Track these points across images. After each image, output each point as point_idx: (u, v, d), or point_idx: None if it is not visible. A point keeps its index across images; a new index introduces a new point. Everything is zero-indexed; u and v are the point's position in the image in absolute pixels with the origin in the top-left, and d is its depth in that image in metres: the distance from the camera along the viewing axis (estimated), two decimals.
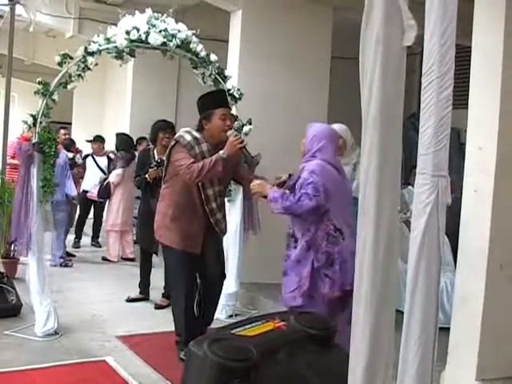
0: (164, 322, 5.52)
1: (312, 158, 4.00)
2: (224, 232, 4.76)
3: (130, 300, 6.44)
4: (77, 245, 9.71)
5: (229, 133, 4.43)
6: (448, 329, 3.87)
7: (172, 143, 4.54)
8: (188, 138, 4.44)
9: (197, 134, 4.48)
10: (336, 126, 4.81)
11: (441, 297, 2.13)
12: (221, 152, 4.32)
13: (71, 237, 9.27)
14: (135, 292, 6.52)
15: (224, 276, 4.94)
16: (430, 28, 2.12)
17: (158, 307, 6.20)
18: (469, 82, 3.84)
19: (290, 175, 4.25)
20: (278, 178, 4.33)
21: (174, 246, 4.53)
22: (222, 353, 2.72)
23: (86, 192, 9.48)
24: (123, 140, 8.84)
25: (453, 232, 3.78)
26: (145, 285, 6.53)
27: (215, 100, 4.53)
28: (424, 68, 2.16)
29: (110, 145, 9.74)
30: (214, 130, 4.46)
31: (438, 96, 2.12)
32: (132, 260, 8.56)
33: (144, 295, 6.50)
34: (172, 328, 4.77)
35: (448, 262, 5.17)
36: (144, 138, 8.39)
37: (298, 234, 3.98)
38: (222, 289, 4.97)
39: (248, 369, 2.73)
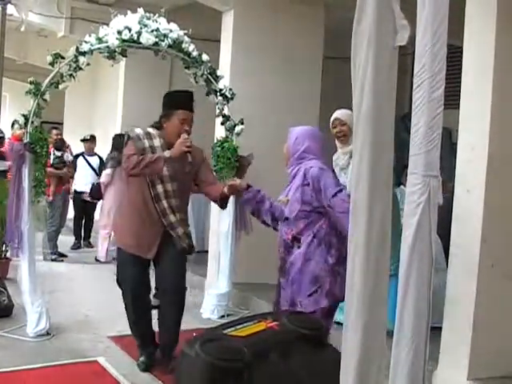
0: (156, 322, 5.49)
1: (302, 160, 3.87)
2: (184, 241, 4.34)
3: None
4: (76, 247, 9.69)
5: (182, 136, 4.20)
6: (440, 328, 3.87)
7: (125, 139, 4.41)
8: (137, 131, 4.35)
9: (151, 130, 4.37)
10: (340, 112, 4.73)
11: (432, 296, 2.12)
12: (166, 151, 4.19)
13: (62, 237, 9.20)
14: None
15: (183, 290, 4.46)
16: (422, 28, 2.12)
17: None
18: (460, 82, 3.85)
19: (248, 186, 3.98)
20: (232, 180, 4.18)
21: (123, 248, 4.41)
22: (214, 353, 2.72)
23: (78, 193, 9.44)
24: (120, 141, 8.79)
25: (444, 232, 3.79)
26: None
27: (179, 101, 4.37)
28: (415, 68, 2.16)
29: (101, 144, 9.71)
30: (170, 131, 4.30)
31: (430, 96, 2.12)
32: None
33: None
34: None
35: (439, 262, 5.18)
36: None
37: (305, 233, 3.77)
38: (182, 304, 4.45)
39: (240, 369, 2.73)
